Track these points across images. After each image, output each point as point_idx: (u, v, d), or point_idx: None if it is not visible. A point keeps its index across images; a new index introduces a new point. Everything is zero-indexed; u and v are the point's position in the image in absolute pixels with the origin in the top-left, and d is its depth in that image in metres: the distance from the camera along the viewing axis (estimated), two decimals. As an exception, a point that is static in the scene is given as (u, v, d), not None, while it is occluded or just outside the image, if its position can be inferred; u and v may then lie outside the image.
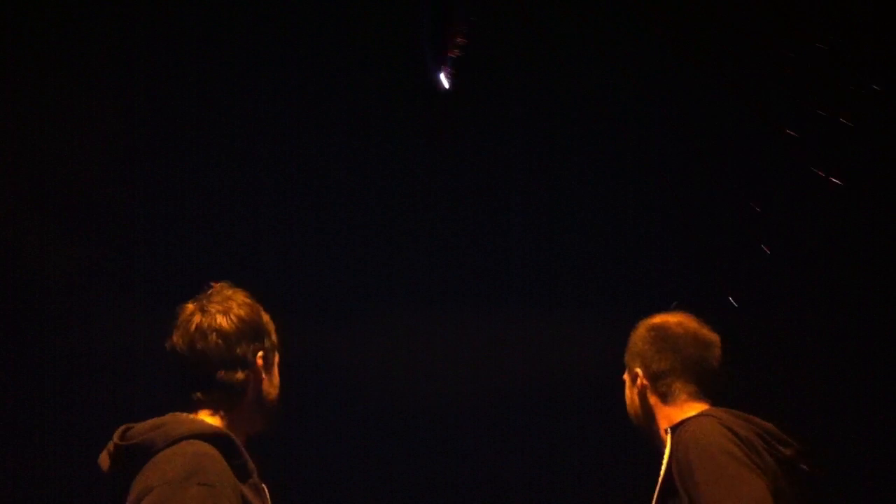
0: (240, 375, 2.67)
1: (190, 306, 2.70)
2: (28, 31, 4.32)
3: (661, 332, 3.14)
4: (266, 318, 2.77)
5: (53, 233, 4.41)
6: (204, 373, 2.65)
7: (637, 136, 4.63)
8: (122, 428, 2.60)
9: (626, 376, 3.20)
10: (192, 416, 2.64)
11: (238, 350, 2.67)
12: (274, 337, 2.77)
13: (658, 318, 3.18)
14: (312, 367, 4.48)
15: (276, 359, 2.78)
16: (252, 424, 2.75)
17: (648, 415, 3.12)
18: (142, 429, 2.56)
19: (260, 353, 2.70)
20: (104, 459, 2.60)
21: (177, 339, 2.68)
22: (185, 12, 4.40)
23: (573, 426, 4.71)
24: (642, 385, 3.13)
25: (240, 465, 2.58)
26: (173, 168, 4.55)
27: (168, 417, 2.59)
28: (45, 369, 4.39)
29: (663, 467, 2.94)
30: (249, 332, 2.69)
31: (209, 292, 2.73)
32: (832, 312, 4.50)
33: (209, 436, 2.55)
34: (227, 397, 2.67)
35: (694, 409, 3.05)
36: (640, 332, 3.18)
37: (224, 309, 2.68)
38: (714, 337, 3.12)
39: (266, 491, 2.67)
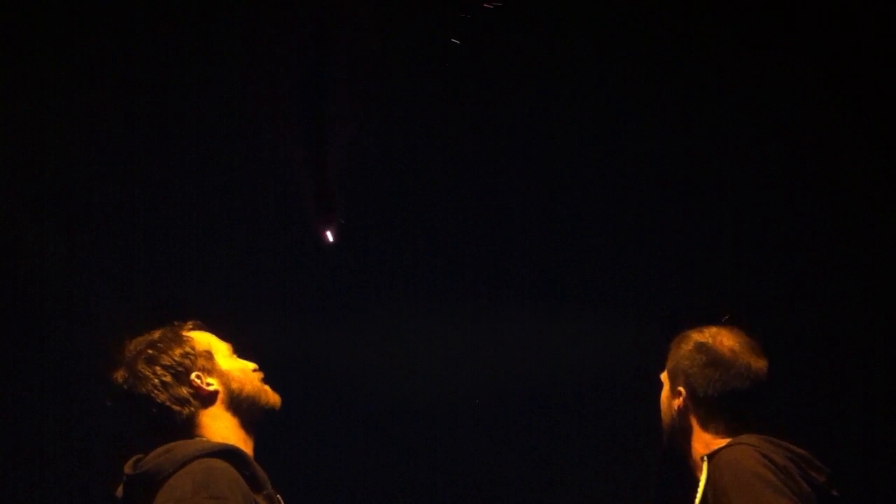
0: (186, 412, 2.75)
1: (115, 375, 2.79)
2: (28, 31, 4.31)
3: (712, 357, 3.07)
4: (179, 338, 2.83)
5: (53, 233, 4.41)
6: (156, 432, 2.73)
7: (640, 133, 4.62)
8: (133, 458, 2.65)
9: (665, 381, 3.15)
10: (196, 438, 2.68)
11: (166, 399, 2.74)
12: (198, 345, 2.82)
13: (709, 337, 3.11)
14: (312, 368, 4.49)
15: (219, 354, 2.84)
16: (249, 418, 2.81)
17: (684, 431, 3.08)
18: (151, 457, 2.60)
19: (193, 376, 2.76)
20: (119, 490, 2.65)
21: (116, 416, 2.81)
22: (185, 11, 4.39)
23: (575, 426, 4.71)
24: (684, 404, 3.08)
25: (251, 475, 2.62)
26: (173, 167, 4.55)
27: (175, 443, 2.63)
28: (45, 370, 4.39)
29: (699, 495, 2.92)
30: (166, 377, 2.75)
31: (122, 354, 2.82)
32: (832, 313, 4.50)
33: (217, 452, 2.60)
34: (191, 431, 2.73)
35: (730, 436, 3.02)
36: (690, 349, 3.10)
37: (132, 374, 2.77)
38: (763, 363, 3.08)
39: (282, 500, 2.71)
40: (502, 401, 4.75)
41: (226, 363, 2.83)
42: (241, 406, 2.79)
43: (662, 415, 3.14)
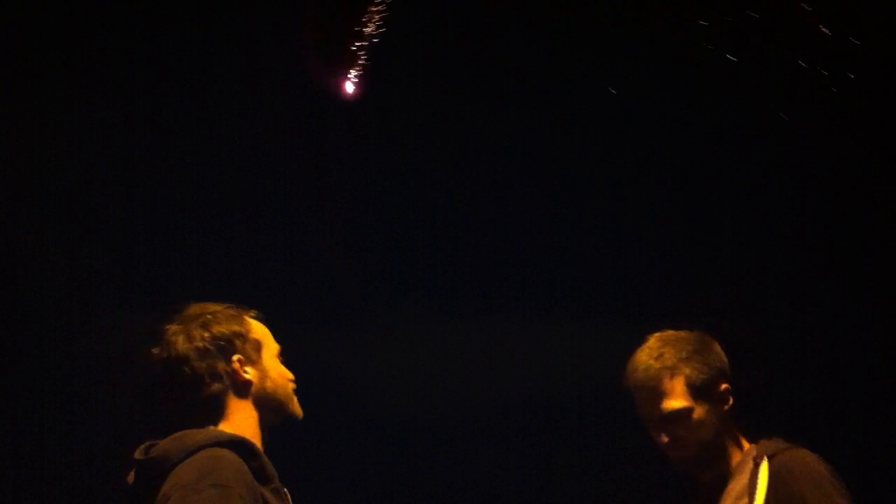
0: (215, 388, 2.74)
1: (167, 328, 2.80)
2: (30, 33, 4.31)
3: (733, 352, 3.05)
4: (239, 319, 2.83)
5: (54, 237, 4.42)
6: (179, 396, 2.74)
7: (639, 141, 4.63)
8: (145, 444, 2.67)
9: (694, 402, 2.98)
10: (208, 427, 2.69)
11: (201, 367, 2.74)
12: (253, 333, 2.83)
13: (709, 335, 3.07)
14: (313, 375, 4.48)
15: (268, 350, 2.85)
16: (270, 419, 2.82)
17: (722, 441, 2.98)
18: (162, 443, 2.62)
19: (235, 358, 2.76)
20: (130, 476, 2.66)
21: (149, 366, 2.79)
22: (187, 13, 4.39)
23: (576, 436, 4.72)
24: (729, 406, 3.01)
25: (259, 468, 2.63)
26: (175, 172, 4.56)
27: (186, 431, 2.64)
28: (46, 374, 4.40)
29: (760, 498, 2.87)
30: (212, 346, 2.76)
31: (175, 313, 2.83)
32: (831, 315, 4.51)
33: (226, 442, 2.61)
34: (212, 410, 2.74)
35: (750, 437, 3.02)
36: (715, 349, 3.03)
37: (182, 330, 2.77)
38: None
39: (288, 495, 2.73)
40: (503, 407, 4.76)
41: (270, 361, 2.84)
42: (268, 405, 2.80)
43: (697, 441, 2.96)
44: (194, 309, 2.82)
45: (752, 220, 4.62)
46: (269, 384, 2.81)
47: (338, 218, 4.79)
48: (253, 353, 2.81)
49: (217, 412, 2.74)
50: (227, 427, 2.72)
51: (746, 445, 3.03)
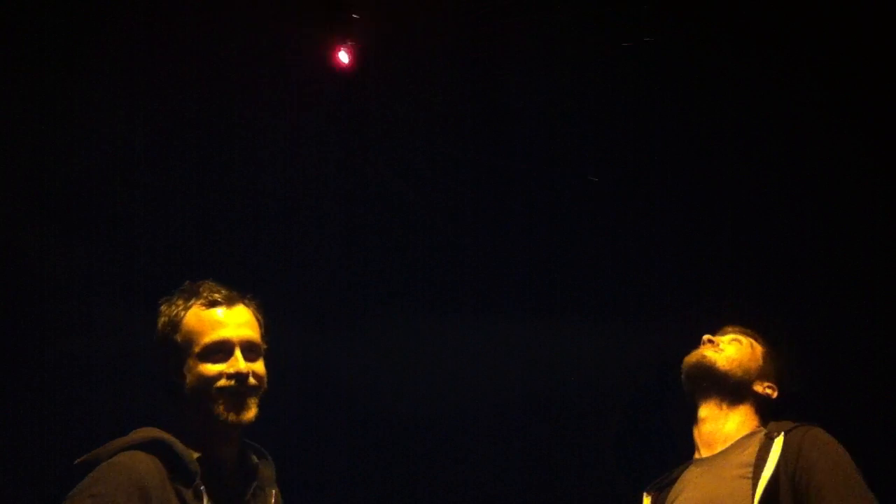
0: (160, 384, 2.75)
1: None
2: (30, 33, 4.30)
3: None
4: (176, 313, 2.77)
5: (54, 236, 4.42)
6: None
7: (639, 141, 4.63)
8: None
9: (760, 355, 3.23)
10: (147, 428, 2.69)
11: (151, 361, 2.77)
12: (180, 335, 2.74)
13: None
14: (311, 373, 4.49)
15: (193, 350, 2.73)
16: (205, 422, 2.72)
17: (741, 394, 3.16)
18: (98, 449, 2.64)
19: (164, 358, 2.75)
20: None
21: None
22: (187, 13, 4.39)
23: (576, 436, 4.72)
24: (765, 393, 3.20)
25: (180, 468, 2.63)
26: (174, 171, 4.56)
27: (118, 438, 2.66)
28: (45, 373, 4.40)
29: (771, 467, 2.96)
30: (156, 345, 2.77)
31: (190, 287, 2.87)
32: (831, 315, 4.50)
33: (143, 444, 2.62)
34: (164, 405, 2.75)
35: None
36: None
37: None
38: None
39: (204, 491, 2.66)
40: (503, 407, 4.76)
41: (192, 362, 2.72)
42: (195, 409, 2.71)
43: (740, 362, 3.19)
44: (190, 286, 2.83)
45: (753, 220, 4.62)
46: (188, 388, 2.72)
47: (338, 218, 4.79)
48: (181, 353, 2.73)
49: (165, 408, 2.75)
50: (172, 424, 2.71)
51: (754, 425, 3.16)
